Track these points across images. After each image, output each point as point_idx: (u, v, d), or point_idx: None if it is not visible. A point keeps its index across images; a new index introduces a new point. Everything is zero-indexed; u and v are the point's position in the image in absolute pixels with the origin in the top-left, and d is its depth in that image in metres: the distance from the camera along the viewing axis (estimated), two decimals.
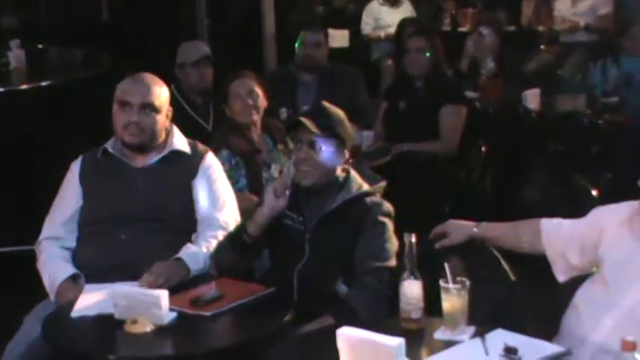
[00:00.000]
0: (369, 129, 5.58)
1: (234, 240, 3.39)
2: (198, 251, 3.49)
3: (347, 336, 2.51)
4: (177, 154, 3.70)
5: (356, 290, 3.28)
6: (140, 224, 3.54)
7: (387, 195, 3.50)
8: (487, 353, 2.57)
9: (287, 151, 4.46)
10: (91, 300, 3.20)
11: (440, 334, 2.77)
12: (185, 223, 3.62)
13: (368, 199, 3.39)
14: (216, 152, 3.99)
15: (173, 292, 3.14)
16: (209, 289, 3.23)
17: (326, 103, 3.48)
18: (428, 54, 5.66)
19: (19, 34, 7.88)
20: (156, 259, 3.38)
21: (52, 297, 3.52)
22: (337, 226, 3.34)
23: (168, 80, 4.00)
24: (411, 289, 2.83)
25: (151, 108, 3.59)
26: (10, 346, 3.41)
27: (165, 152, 3.68)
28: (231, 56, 8.13)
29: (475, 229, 3.20)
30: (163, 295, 3.03)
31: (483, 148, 5.61)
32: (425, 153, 5.49)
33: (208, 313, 3.05)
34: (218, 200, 3.67)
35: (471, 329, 2.76)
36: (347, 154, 3.43)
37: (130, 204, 3.59)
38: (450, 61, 6.81)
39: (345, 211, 3.35)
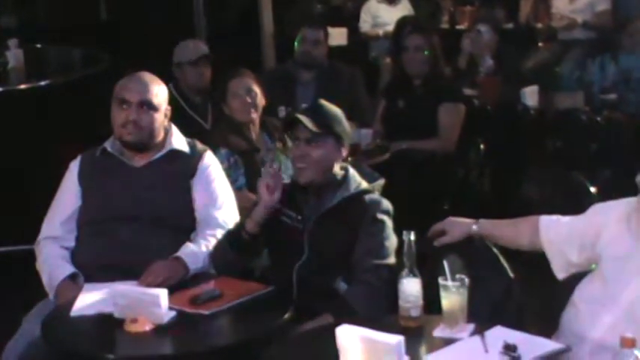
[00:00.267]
0: (368, 127, 5.58)
1: (232, 238, 3.40)
2: (198, 250, 3.49)
3: (346, 334, 2.51)
4: (176, 153, 3.70)
5: (355, 288, 3.28)
6: (139, 223, 3.55)
7: (385, 193, 3.50)
8: (486, 350, 2.58)
9: (285, 150, 4.46)
10: (90, 299, 3.21)
11: (439, 332, 2.77)
12: (184, 222, 3.62)
13: (367, 197, 3.39)
14: (215, 151, 3.99)
15: (172, 291, 3.14)
16: (208, 288, 3.23)
17: (323, 101, 3.48)
18: (426, 52, 5.66)
19: (17, 33, 7.88)
20: (155, 258, 3.39)
21: (51, 296, 3.52)
22: (336, 224, 3.34)
23: (166, 79, 4.00)
24: (410, 286, 2.83)
25: (149, 106, 3.60)
26: (10, 345, 3.41)
27: (164, 151, 3.68)
28: (230, 55, 8.13)
29: (474, 227, 3.20)
30: (163, 294, 3.03)
31: (482, 146, 5.62)
32: (423, 151, 5.49)
33: (207, 312, 3.06)
34: (217, 199, 3.67)
35: (471, 327, 2.76)
36: (344, 152, 3.44)
37: (128, 203, 3.59)
38: (448, 59, 6.81)
39: (344, 209, 3.35)
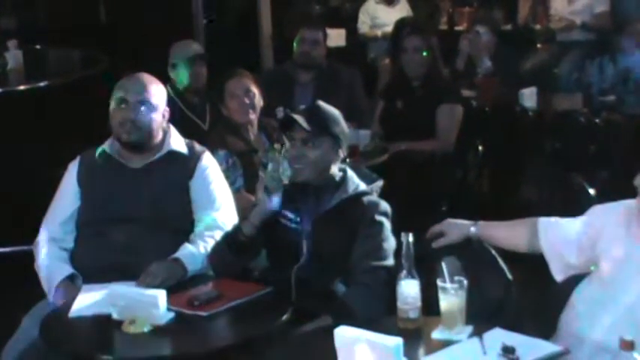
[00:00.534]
0: (366, 128, 5.58)
1: (230, 240, 3.39)
2: (196, 251, 3.49)
3: (344, 336, 2.51)
4: (174, 154, 3.70)
5: (353, 290, 3.28)
6: (137, 225, 3.55)
7: (384, 194, 3.50)
8: (485, 353, 2.58)
9: (284, 151, 4.46)
10: (88, 300, 3.21)
11: (438, 334, 2.77)
12: (182, 223, 3.62)
13: (365, 199, 3.39)
14: (213, 152, 3.99)
15: (171, 292, 3.13)
16: (207, 289, 3.23)
17: (321, 102, 3.48)
18: (425, 53, 5.67)
19: (16, 34, 7.88)
20: (153, 259, 3.39)
21: (49, 297, 3.52)
22: (334, 225, 3.34)
23: (165, 81, 4.00)
24: (409, 288, 2.83)
25: (147, 106, 3.60)
26: (9, 346, 3.42)
27: (162, 153, 3.68)
28: (228, 56, 8.13)
29: (472, 229, 3.20)
30: (161, 295, 3.03)
31: (480, 147, 5.62)
32: (422, 152, 5.50)
33: (206, 313, 3.05)
34: (215, 200, 3.67)
35: (469, 329, 2.76)
36: (342, 153, 3.44)
37: (127, 204, 3.59)
38: (446, 60, 6.82)
39: (342, 211, 3.35)
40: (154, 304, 3.00)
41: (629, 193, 2.85)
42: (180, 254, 3.46)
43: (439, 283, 2.80)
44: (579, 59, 7.62)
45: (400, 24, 7.72)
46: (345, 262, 3.32)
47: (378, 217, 3.34)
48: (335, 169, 3.41)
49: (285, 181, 3.42)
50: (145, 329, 2.95)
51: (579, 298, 2.87)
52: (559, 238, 2.99)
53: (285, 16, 10.01)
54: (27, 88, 6.46)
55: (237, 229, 3.41)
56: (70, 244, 3.65)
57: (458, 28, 9.33)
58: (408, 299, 2.83)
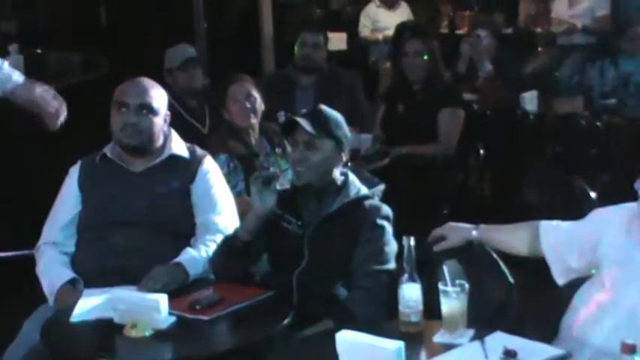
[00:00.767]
0: (368, 132, 5.58)
1: (230, 244, 3.39)
2: (197, 256, 3.49)
3: (346, 340, 2.51)
4: (175, 158, 3.70)
5: (355, 294, 3.28)
6: (139, 229, 3.55)
7: (385, 198, 3.50)
8: (486, 356, 2.57)
9: (285, 155, 4.46)
10: (90, 304, 3.20)
11: (439, 338, 2.77)
12: (184, 227, 3.62)
13: (366, 203, 3.39)
14: (214, 156, 3.99)
15: (172, 296, 3.13)
16: (208, 294, 3.22)
17: (323, 106, 3.48)
18: (426, 57, 5.67)
19: (17, 38, 7.88)
20: (155, 263, 3.38)
21: (51, 302, 3.52)
22: (336, 229, 3.34)
23: (166, 85, 4.00)
24: (410, 292, 2.83)
25: (148, 109, 3.60)
26: (10, 350, 3.41)
27: (163, 157, 3.68)
28: (229, 60, 8.14)
29: (474, 232, 3.20)
30: (162, 299, 3.03)
31: (481, 151, 5.62)
32: (423, 156, 5.49)
33: (207, 317, 3.05)
34: (217, 204, 3.67)
35: (471, 332, 2.76)
36: (344, 157, 3.44)
37: (128, 209, 3.59)
38: (447, 64, 6.82)
39: (344, 215, 3.35)
40: (156, 309, 3.00)
41: (630, 196, 2.85)
42: (182, 259, 3.46)
43: (441, 286, 2.80)
44: (580, 62, 7.63)
45: (401, 28, 7.71)
46: (346, 266, 3.32)
47: (380, 221, 3.34)
48: (337, 173, 3.41)
49: (287, 186, 3.41)
50: (147, 333, 2.95)
51: (581, 301, 2.86)
52: (560, 241, 2.99)
53: (286, 19, 10.01)
54: None
55: (235, 234, 3.41)
56: (72, 249, 3.65)
57: (459, 31, 9.35)
58: (410, 303, 2.83)
